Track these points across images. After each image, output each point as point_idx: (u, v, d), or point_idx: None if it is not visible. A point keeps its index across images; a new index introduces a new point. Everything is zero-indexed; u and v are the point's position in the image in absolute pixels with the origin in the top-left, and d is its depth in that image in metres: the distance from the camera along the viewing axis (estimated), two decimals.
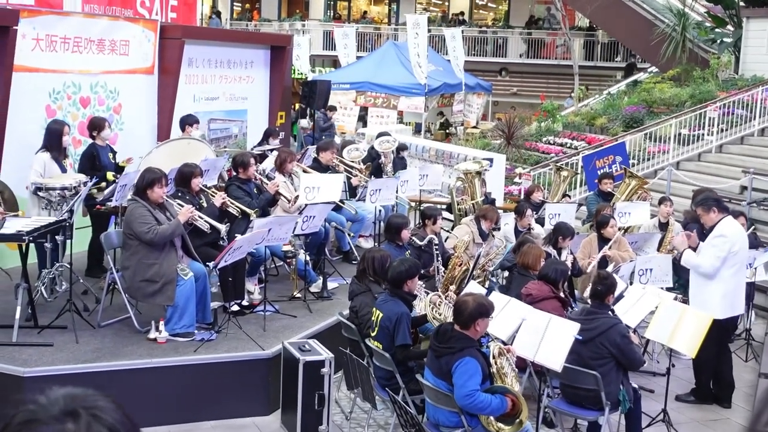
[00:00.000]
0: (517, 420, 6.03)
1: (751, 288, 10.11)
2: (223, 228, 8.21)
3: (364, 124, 23.45)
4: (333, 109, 20.98)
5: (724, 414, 8.11)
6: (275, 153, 11.61)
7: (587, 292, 8.42)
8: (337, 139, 16.55)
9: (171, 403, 7.33)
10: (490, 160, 15.35)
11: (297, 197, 9.32)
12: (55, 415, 1.31)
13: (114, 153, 9.78)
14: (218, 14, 35.90)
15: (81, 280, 8.89)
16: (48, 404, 1.34)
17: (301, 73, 25.54)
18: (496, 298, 7.38)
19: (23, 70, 9.66)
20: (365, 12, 38.26)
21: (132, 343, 7.67)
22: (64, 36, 10.19)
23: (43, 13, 10.07)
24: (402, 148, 14.29)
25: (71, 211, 8.11)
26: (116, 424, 1.34)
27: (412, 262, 7.42)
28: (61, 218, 8.09)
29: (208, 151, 10.30)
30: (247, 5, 39.97)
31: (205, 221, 8.13)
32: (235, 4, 39.36)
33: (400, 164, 12.96)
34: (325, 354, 7.15)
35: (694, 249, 8.30)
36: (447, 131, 25.91)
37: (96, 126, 9.56)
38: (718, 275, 8.00)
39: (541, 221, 11.14)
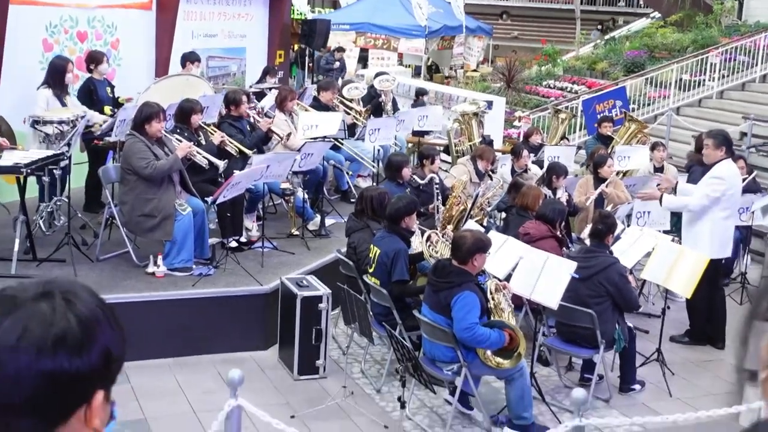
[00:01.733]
0: (516, 353, 6.10)
1: (748, 232, 10.15)
2: (221, 164, 8.19)
3: (365, 66, 23.30)
4: (341, 50, 20.81)
5: (718, 355, 8.16)
6: (274, 91, 11.59)
7: (585, 232, 8.49)
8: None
9: (169, 336, 7.39)
10: (490, 102, 15.30)
11: (290, 134, 9.26)
12: (30, 296, 1.33)
13: (112, 87, 9.77)
14: None
15: (79, 215, 8.92)
16: (26, 287, 1.36)
17: (301, 13, 25.25)
18: (494, 236, 7.43)
19: (20, 3, 9.58)
20: None
21: (130, 277, 7.72)
22: None
23: None
24: (422, 92, 14.28)
25: (68, 145, 8.08)
26: (87, 312, 1.35)
27: (410, 199, 7.45)
28: (58, 151, 8.07)
29: (206, 87, 10.27)
30: None
31: (204, 157, 8.10)
32: None
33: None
34: (322, 289, 7.20)
35: (674, 190, 8.34)
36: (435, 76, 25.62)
37: (93, 59, 9.52)
38: (710, 215, 7.97)
39: (540, 164, 11.13)
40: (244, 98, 9.52)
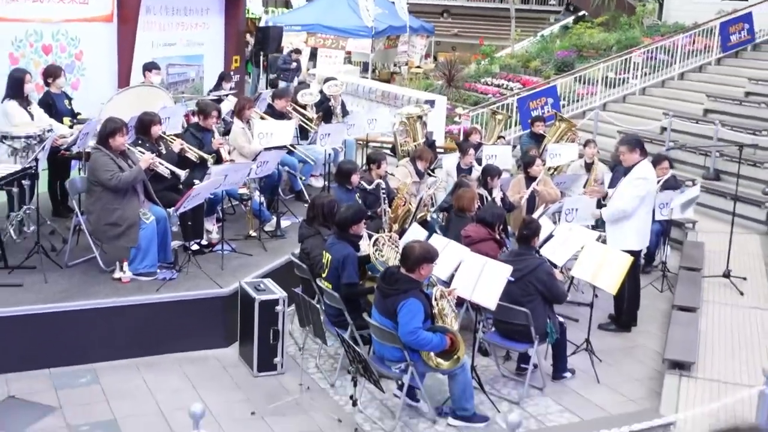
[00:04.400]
0: (455, 356, 6.19)
1: (668, 224, 10.34)
2: (182, 174, 8.13)
3: (315, 63, 23.19)
4: (298, 51, 20.66)
5: (640, 341, 8.30)
6: (231, 97, 11.54)
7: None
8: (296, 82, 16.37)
9: (136, 338, 7.34)
10: (432, 101, 15.38)
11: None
12: None
13: (70, 99, 9.58)
14: None
15: (48, 222, 8.79)
16: None
17: (254, 14, 25.04)
18: (437, 240, 7.49)
19: None
20: None
21: (98, 282, 7.64)
22: None
23: None
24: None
25: (36, 160, 7.95)
26: None
27: (358, 207, 7.47)
28: (27, 166, 7.94)
29: (166, 98, 10.16)
30: None
31: (166, 167, 8.05)
32: None
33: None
34: (279, 293, 7.19)
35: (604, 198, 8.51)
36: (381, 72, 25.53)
37: (51, 74, 9.34)
38: (636, 213, 8.19)
39: (478, 161, 11.21)
40: (215, 113, 9.45)
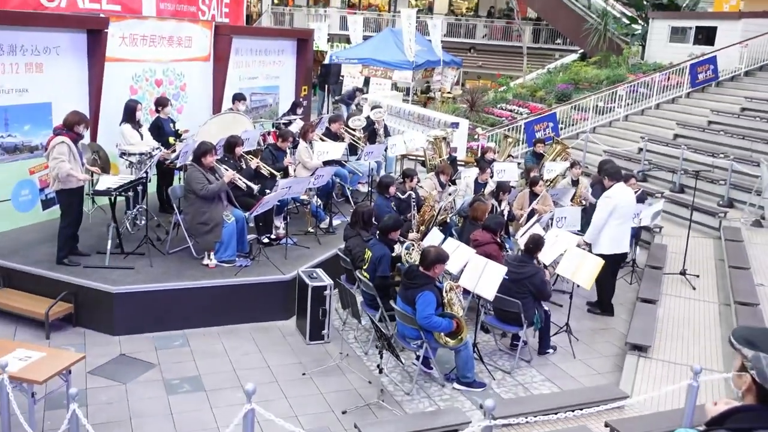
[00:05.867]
0: (459, 337, 6.23)
1: (639, 230, 10.20)
2: (255, 188, 8.22)
3: (368, 89, 23.13)
4: (361, 90, 20.38)
5: (611, 324, 8.22)
6: (298, 122, 11.63)
7: (519, 233, 8.57)
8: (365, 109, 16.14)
9: (218, 311, 7.45)
10: (457, 123, 15.30)
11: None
12: None
13: (174, 123, 9.72)
14: None
15: (155, 217, 8.99)
16: None
17: (318, 47, 24.94)
18: (450, 243, 7.49)
19: (113, 60, 9.56)
20: (369, 3, 37.09)
21: (191, 267, 7.77)
22: (142, 34, 10.04)
23: (127, 17, 9.86)
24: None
25: (147, 172, 8.12)
26: None
27: (396, 218, 7.45)
28: (140, 177, 8.13)
29: (248, 124, 10.26)
30: None
31: (243, 182, 8.14)
32: None
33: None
34: (327, 281, 7.26)
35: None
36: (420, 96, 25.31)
37: (160, 103, 9.51)
38: (608, 224, 8.10)
39: (491, 174, 11.14)
40: (291, 139, 9.59)
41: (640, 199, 9.95)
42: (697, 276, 9.26)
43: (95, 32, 9.14)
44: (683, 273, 9.21)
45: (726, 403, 2.44)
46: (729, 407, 2.36)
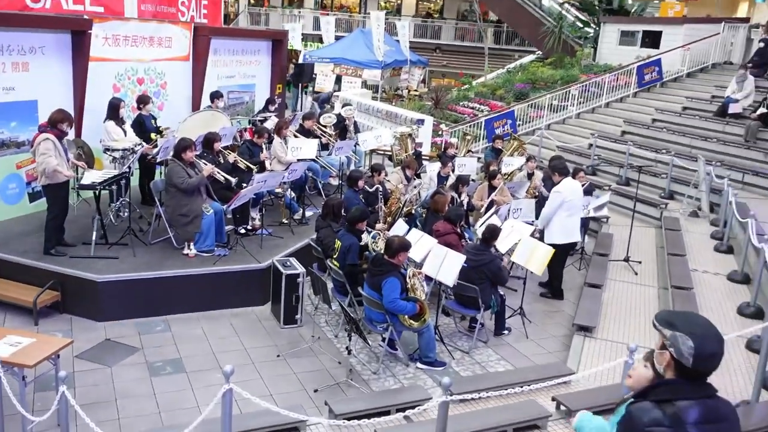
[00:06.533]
0: (422, 319, 6.36)
1: (587, 220, 10.42)
2: (233, 180, 8.25)
3: (339, 86, 23.14)
4: (336, 95, 20.25)
5: (561, 307, 8.41)
6: (273, 118, 11.63)
7: (478, 224, 8.71)
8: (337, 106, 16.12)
9: (198, 298, 7.48)
10: (422, 120, 15.39)
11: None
12: None
13: (155, 119, 9.66)
14: None
15: (137, 209, 8.95)
16: None
17: (293, 47, 24.85)
18: (414, 233, 7.61)
19: (96, 60, 9.47)
20: (341, 4, 36.91)
21: (172, 257, 7.78)
22: (125, 35, 9.95)
23: (110, 19, 9.77)
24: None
25: (129, 167, 8.10)
26: None
27: (363, 210, 7.52)
28: (123, 171, 8.11)
29: (225, 121, 10.24)
30: None
31: (221, 175, 8.17)
32: None
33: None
34: (300, 269, 7.35)
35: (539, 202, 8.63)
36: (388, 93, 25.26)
37: (142, 101, 9.44)
38: (558, 215, 8.29)
39: (452, 168, 11.28)
40: (266, 135, 9.61)
41: (588, 192, 10.18)
42: (639, 262, 9.49)
43: (79, 33, 9.05)
44: (627, 260, 9.46)
45: (636, 367, 2.61)
46: (651, 382, 2.52)
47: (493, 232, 7.30)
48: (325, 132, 11.24)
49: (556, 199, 8.24)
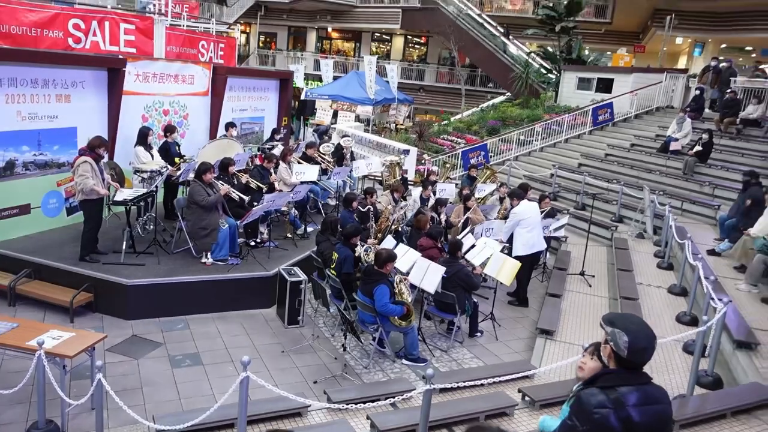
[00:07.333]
0: (409, 319, 6.46)
1: (550, 239, 10.57)
2: (246, 199, 8.35)
3: (336, 120, 23.30)
4: (333, 127, 20.38)
5: (526, 314, 8.50)
6: (279, 146, 11.74)
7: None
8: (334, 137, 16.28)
9: (213, 300, 7.51)
10: (408, 150, 15.55)
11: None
12: None
13: (179, 146, 9.75)
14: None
15: (161, 223, 9.00)
16: None
17: (297, 86, 25.04)
18: (401, 247, 7.71)
19: (128, 94, 9.58)
20: (339, 49, 37.31)
21: (192, 264, 7.81)
22: (153, 72, 10.08)
23: (141, 59, 9.91)
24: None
25: (156, 187, 8.18)
26: None
27: (356, 226, 7.60)
28: (150, 190, 8.18)
29: (239, 148, 10.35)
30: (268, 39, 38.52)
31: (236, 195, 8.27)
32: (260, 38, 37.92)
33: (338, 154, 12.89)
34: (303, 276, 7.41)
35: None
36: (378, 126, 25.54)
37: (168, 130, 9.53)
38: (518, 231, 8.45)
39: (433, 192, 11.44)
40: (275, 161, 9.67)
41: (551, 215, 10.38)
42: (593, 276, 9.64)
43: (114, 70, 9.17)
44: (582, 273, 9.61)
45: (586, 361, 2.76)
46: (597, 372, 2.67)
47: (455, 245, 7.43)
48: (324, 159, 11.38)
49: (514, 219, 8.49)
